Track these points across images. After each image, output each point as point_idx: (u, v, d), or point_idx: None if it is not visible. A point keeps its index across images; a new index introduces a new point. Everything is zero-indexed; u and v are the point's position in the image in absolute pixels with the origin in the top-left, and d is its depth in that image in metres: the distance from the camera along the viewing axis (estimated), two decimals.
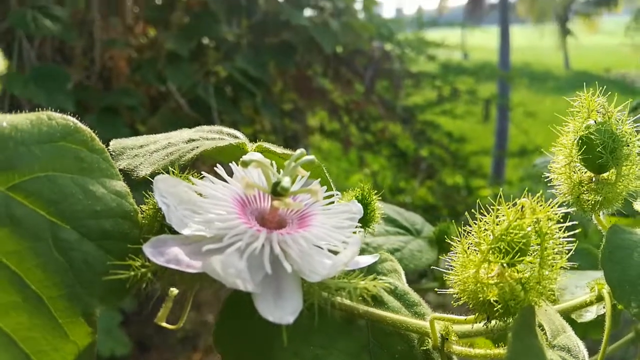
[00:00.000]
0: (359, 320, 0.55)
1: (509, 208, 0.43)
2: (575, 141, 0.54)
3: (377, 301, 0.57)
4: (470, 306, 0.46)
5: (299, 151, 0.41)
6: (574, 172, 0.56)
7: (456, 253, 0.46)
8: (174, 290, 0.85)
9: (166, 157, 0.51)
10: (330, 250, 0.41)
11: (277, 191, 0.39)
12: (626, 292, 0.48)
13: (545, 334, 0.47)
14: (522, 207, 0.42)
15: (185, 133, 0.58)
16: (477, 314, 0.46)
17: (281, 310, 0.36)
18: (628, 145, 0.53)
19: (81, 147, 0.41)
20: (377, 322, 0.55)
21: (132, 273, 0.37)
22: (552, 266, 0.42)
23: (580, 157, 0.54)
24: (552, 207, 0.42)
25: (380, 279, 0.57)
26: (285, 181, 0.38)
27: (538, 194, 0.43)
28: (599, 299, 0.59)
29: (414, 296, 0.59)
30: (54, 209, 0.38)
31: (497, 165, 7.78)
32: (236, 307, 0.53)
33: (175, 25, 3.15)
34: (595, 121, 0.54)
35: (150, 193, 0.46)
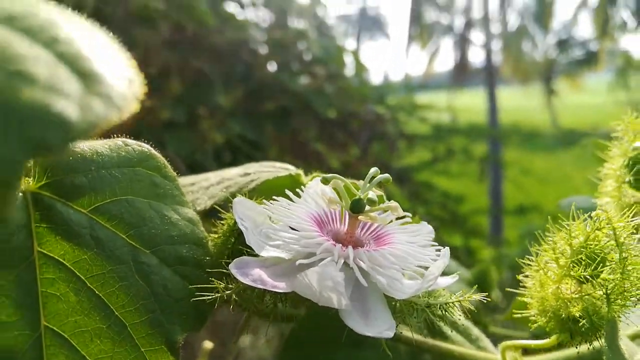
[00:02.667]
0: (425, 355, 0.53)
1: (583, 222, 0.43)
2: (625, 163, 0.55)
3: (441, 335, 0.55)
4: (549, 327, 0.44)
5: (373, 169, 0.41)
6: (624, 195, 0.57)
7: (529, 275, 0.46)
8: (208, 344, 0.82)
9: (225, 190, 0.51)
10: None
11: (357, 207, 0.39)
12: None
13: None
14: (598, 218, 0.42)
15: (234, 170, 0.58)
16: (559, 334, 0.44)
17: (373, 327, 0.35)
18: None
19: (155, 173, 0.41)
20: (443, 356, 0.53)
21: (218, 295, 0.36)
22: (634, 276, 0.41)
23: (631, 177, 0.54)
24: (626, 218, 0.42)
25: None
26: (371, 194, 0.38)
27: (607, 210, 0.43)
28: None
29: (476, 330, 0.58)
30: (134, 232, 0.37)
31: (495, 224, 7.78)
32: (307, 337, 0.51)
33: (172, 93, 3.21)
34: None
35: (219, 222, 0.45)
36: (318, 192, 0.43)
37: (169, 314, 0.37)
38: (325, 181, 0.39)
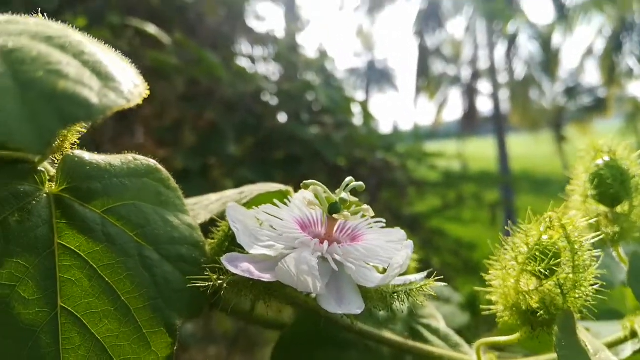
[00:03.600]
0: (407, 356, 0.57)
1: (537, 223, 0.48)
2: (588, 178, 0.60)
3: (422, 340, 0.59)
4: (513, 321, 0.48)
5: (348, 178, 0.47)
6: (589, 208, 0.62)
7: (494, 275, 0.50)
8: None
9: (222, 206, 0.57)
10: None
11: (333, 209, 0.44)
12: None
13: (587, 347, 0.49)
14: (550, 219, 0.47)
15: (233, 190, 0.64)
16: (521, 327, 0.48)
17: (345, 308, 0.40)
18: (635, 177, 0.58)
19: (160, 184, 0.47)
20: (423, 357, 0.57)
21: (211, 283, 0.42)
22: (585, 270, 0.46)
23: (593, 191, 0.59)
24: (576, 219, 0.47)
25: (421, 320, 0.61)
26: (344, 195, 0.44)
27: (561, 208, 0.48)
28: (633, 335, 0.61)
29: (457, 338, 0.62)
30: (140, 231, 0.43)
31: None
32: (296, 339, 0.55)
33: (185, 144, 3.33)
34: (602, 160, 0.60)
35: (215, 229, 0.51)
36: (302, 200, 0.49)
37: (169, 301, 0.42)
38: (305, 186, 0.45)
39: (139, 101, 0.28)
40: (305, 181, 0.46)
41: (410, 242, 0.44)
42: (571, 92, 15.84)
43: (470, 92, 16.22)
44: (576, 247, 0.46)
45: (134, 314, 0.40)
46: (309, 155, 3.60)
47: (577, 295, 0.46)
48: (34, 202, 0.40)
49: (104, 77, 0.27)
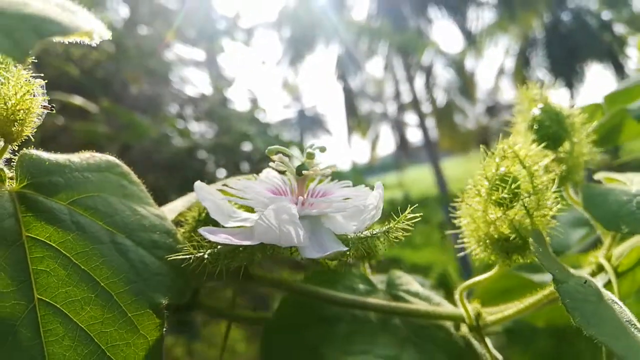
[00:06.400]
0: (394, 319, 0.57)
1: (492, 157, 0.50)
2: (528, 125, 0.64)
3: (405, 303, 0.60)
4: (488, 253, 0.50)
5: (311, 142, 0.48)
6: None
7: (461, 216, 0.52)
8: None
9: (187, 203, 0.56)
10: None
11: (301, 168, 0.45)
12: (612, 221, 0.54)
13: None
14: (503, 150, 0.49)
15: None
16: (497, 258, 0.50)
17: (326, 251, 0.40)
18: (568, 117, 0.63)
19: (122, 178, 0.46)
20: (410, 318, 0.57)
21: (190, 255, 0.41)
22: (545, 190, 0.48)
23: (535, 135, 0.63)
24: (529, 147, 0.50)
25: (400, 287, 0.61)
26: (310, 150, 0.45)
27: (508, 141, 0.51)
28: (600, 268, 0.64)
29: (438, 298, 0.63)
30: (109, 220, 0.42)
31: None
32: (282, 322, 0.55)
33: None
34: (538, 107, 0.65)
35: (184, 220, 0.51)
36: (268, 175, 0.49)
37: (150, 283, 0.41)
38: (270, 152, 0.46)
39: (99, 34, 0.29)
40: (270, 148, 0.46)
41: (380, 183, 0.45)
42: (492, 110, 16.78)
43: (399, 126, 16.84)
44: (533, 170, 0.49)
45: (116, 299, 0.39)
46: None
47: (542, 214, 0.49)
48: None
49: (68, 10, 0.27)
